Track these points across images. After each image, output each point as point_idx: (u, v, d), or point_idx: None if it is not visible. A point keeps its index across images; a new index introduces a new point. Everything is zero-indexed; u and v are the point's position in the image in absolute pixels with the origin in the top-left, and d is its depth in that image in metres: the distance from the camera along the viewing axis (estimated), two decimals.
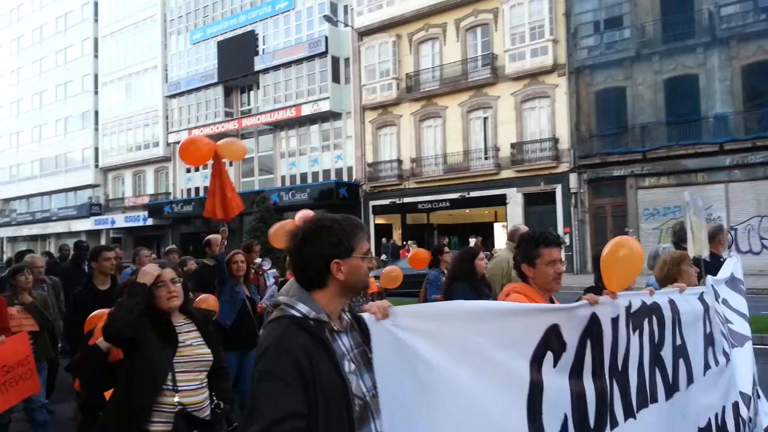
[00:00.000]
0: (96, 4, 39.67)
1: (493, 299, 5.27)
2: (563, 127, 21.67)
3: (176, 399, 2.80)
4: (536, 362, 2.01)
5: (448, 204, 24.51)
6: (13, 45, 46.57)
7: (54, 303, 6.10)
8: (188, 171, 34.37)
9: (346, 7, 27.70)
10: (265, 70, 29.31)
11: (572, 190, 21.39)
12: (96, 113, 39.18)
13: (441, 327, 1.78)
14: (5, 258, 31.45)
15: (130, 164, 37.23)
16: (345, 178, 27.44)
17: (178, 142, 33.63)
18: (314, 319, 1.71)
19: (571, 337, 2.16)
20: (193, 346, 2.95)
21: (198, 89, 32.44)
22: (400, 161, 25.75)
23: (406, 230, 25.88)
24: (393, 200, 25.58)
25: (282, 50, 28.63)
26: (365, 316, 1.72)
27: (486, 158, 23.49)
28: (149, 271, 2.93)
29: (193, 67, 32.72)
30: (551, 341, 2.08)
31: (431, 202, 24.89)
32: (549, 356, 2.06)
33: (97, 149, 39.12)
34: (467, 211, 25.15)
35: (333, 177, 27.76)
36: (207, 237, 6.64)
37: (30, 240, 44.20)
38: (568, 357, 2.15)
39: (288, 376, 1.59)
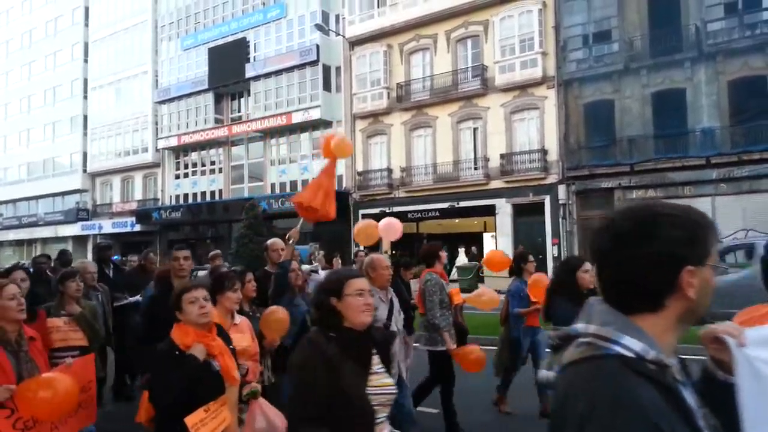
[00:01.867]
0: (86, 9, 39.50)
1: None
2: (552, 139, 21.83)
3: None
4: None
5: (437, 213, 24.57)
6: (2, 48, 46.21)
7: (104, 314, 5.52)
8: (177, 177, 34.22)
9: (337, 17, 27.79)
10: (256, 78, 29.31)
11: (561, 202, 21.51)
12: (85, 118, 38.93)
13: None
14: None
15: (118, 169, 36.98)
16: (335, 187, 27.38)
17: (167, 148, 33.64)
18: (654, 361, 1.10)
19: None
20: (379, 374, 2.37)
21: (188, 95, 32.35)
22: (390, 170, 25.80)
23: (396, 240, 25.84)
24: (383, 209, 25.55)
25: (273, 58, 28.66)
26: (728, 340, 1.21)
27: (475, 168, 23.59)
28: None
29: (183, 74, 32.65)
30: None
31: (421, 211, 24.93)
32: None
33: (85, 154, 38.84)
34: (456, 220, 25.22)
35: None
36: (267, 241, 5.79)
37: (16, 245, 43.76)
38: None
39: None
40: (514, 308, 6.17)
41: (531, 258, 6.46)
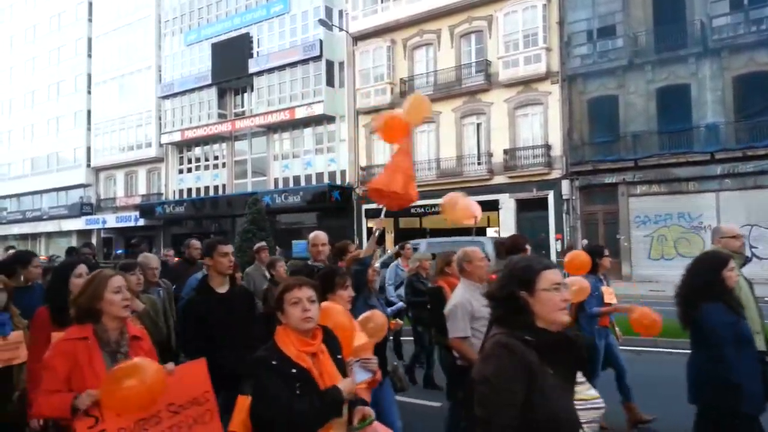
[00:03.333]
0: (90, 4, 39.55)
1: None
2: (556, 134, 21.79)
3: None
4: None
5: (440, 209, 24.51)
6: (6, 43, 46.30)
7: (166, 311, 5.13)
8: (180, 172, 34.27)
9: (341, 12, 27.75)
10: (260, 73, 29.30)
11: (564, 197, 21.49)
12: (89, 113, 39.01)
13: None
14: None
15: (122, 164, 37.08)
16: (338, 182, 27.44)
17: (170, 143, 33.69)
18: None
19: None
20: (582, 384, 2.10)
21: (192, 90, 32.37)
22: None
23: (399, 234, 25.89)
24: None
25: (276, 53, 28.64)
26: None
27: (479, 164, 23.57)
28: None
29: (187, 69, 32.66)
30: None
31: (424, 206, 24.89)
32: None
33: (89, 149, 38.95)
34: None
35: (326, 180, 27.75)
36: (310, 235, 5.33)
37: (20, 239, 43.88)
38: None
39: None
40: (591, 308, 5.57)
41: (606, 252, 5.94)
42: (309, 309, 2.52)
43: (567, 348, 1.93)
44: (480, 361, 1.96)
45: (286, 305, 2.54)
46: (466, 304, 4.11)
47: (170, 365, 2.91)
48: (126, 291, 2.82)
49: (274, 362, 2.39)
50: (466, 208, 6.24)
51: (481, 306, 3.93)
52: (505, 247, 5.49)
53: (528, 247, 5.39)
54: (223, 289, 4.17)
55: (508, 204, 22.79)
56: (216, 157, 32.75)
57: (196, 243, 7.42)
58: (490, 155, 23.18)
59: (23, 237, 44.09)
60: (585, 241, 19.37)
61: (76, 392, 2.52)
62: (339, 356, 2.65)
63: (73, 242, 39.67)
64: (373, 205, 26.14)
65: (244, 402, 2.49)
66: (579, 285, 5.18)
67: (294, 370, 2.40)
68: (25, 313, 4.15)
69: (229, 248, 4.21)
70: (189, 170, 34.02)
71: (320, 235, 5.11)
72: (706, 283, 3.50)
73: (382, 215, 4.71)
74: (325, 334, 2.63)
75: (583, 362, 2.04)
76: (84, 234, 38.27)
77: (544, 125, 22.09)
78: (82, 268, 3.40)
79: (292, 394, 2.33)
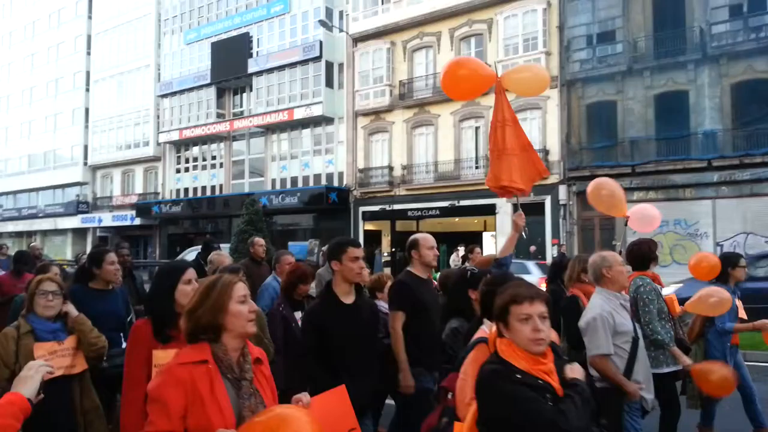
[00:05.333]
0: (90, 1, 39.45)
1: None
2: (554, 139, 21.79)
3: None
4: None
5: (437, 212, 24.54)
6: (4, 39, 46.19)
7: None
8: (177, 171, 34.19)
9: (341, 13, 27.74)
10: (259, 73, 29.27)
11: (561, 202, 21.48)
12: (87, 110, 38.90)
13: None
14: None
15: (119, 163, 36.97)
16: (336, 183, 27.40)
17: (168, 142, 33.62)
18: None
19: None
20: None
21: (190, 90, 32.30)
22: (391, 168, 25.75)
23: (396, 237, 25.86)
24: (383, 207, 25.55)
25: (276, 53, 28.61)
26: None
27: (477, 167, 23.56)
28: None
29: (186, 68, 32.60)
30: None
31: (421, 209, 24.91)
32: None
33: (86, 146, 38.81)
34: (456, 219, 25.18)
35: (324, 181, 27.71)
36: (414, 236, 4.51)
37: (15, 236, 43.71)
38: None
39: None
40: (725, 323, 4.97)
41: (743, 262, 5.24)
42: (541, 329, 2.17)
43: None
44: None
45: (513, 320, 2.20)
46: (608, 317, 3.72)
47: (305, 398, 2.30)
48: (252, 303, 2.26)
49: (518, 375, 2.15)
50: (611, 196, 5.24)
51: (624, 319, 3.78)
52: (631, 254, 4.88)
53: (657, 254, 4.92)
54: (348, 299, 3.61)
55: (505, 208, 22.71)
56: (214, 157, 32.68)
57: (260, 240, 7.07)
58: (487, 159, 23.15)
59: (18, 234, 43.90)
60: (617, 244, 18.78)
61: None
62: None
63: (68, 241, 39.61)
64: (370, 208, 26.22)
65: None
66: (719, 296, 4.68)
67: (540, 381, 2.16)
68: (102, 321, 3.77)
69: (360, 252, 3.59)
70: (186, 170, 33.94)
71: (429, 238, 4.35)
72: None
73: (518, 208, 4.11)
74: (553, 351, 2.31)
75: None
76: (79, 232, 38.17)
77: (542, 130, 22.09)
78: (191, 273, 2.89)
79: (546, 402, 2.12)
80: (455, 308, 3.94)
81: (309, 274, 4.70)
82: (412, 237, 4.29)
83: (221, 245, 8.62)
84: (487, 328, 2.79)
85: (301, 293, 4.60)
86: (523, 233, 4.07)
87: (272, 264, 6.11)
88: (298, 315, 4.37)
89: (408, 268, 4.29)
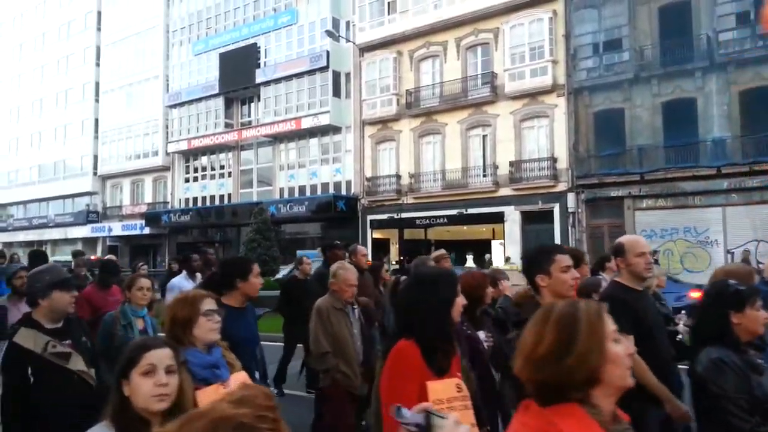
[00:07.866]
0: (99, 13, 39.88)
1: None
2: (562, 147, 21.80)
3: None
4: None
5: (445, 220, 24.55)
6: (14, 51, 46.71)
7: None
8: (186, 181, 34.41)
9: (348, 23, 27.92)
10: (266, 83, 29.46)
11: (570, 210, 21.46)
12: (96, 121, 39.23)
13: None
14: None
15: (128, 173, 37.24)
16: (343, 192, 27.49)
17: (177, 152, 33.86)
18: None
19: None
20: None
21: (199, 100, 32.54)
22: (398, 176, 25.82)
23: (404, 245, 25.88)
24: (391, 215, 25.58)
25: (283, 63, 28.79)
26: None
27: (484, 176, 23.58)
28: None
29: (194, 78, 32.86)
30: None
31: (429, 218, 24.93)
32: None
33: (96, 157, 39.12)
34: (465, 227, 25.19)
35: (331, 190, 27.81)
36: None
37: (26, 246, 43.98)
38: None
39: None
40: None
41: None
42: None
43: None
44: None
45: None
46: None
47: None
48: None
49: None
50: None
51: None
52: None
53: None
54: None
55: (513, 216, 22.77)
56: (222, 167, 32.86)
57: (362, 249, 6.52)
58: (495, 167, 23.19)
59: (29, 244, 44.10)
60: (739, 252, 17.90)
61: None
62: None
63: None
64: (378, 216, 26.24)
65: None
66: None
67: None
68: (242, 349, 2.92)
69: (569, 260, 3.04)
70: (195, 179, 34.15)
71: (640, 243, 3.63)
72: None
73: None
74: None
75: None
76: (89, 242, 38.38)
77: (549, 138, 22.10)
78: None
79: None
80: (709, 333, 3.14)
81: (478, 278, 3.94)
82: (618, 241, 3.53)
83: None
84: None
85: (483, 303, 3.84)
86: None
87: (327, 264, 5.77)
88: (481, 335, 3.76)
89: (615, 278, 3.54)
